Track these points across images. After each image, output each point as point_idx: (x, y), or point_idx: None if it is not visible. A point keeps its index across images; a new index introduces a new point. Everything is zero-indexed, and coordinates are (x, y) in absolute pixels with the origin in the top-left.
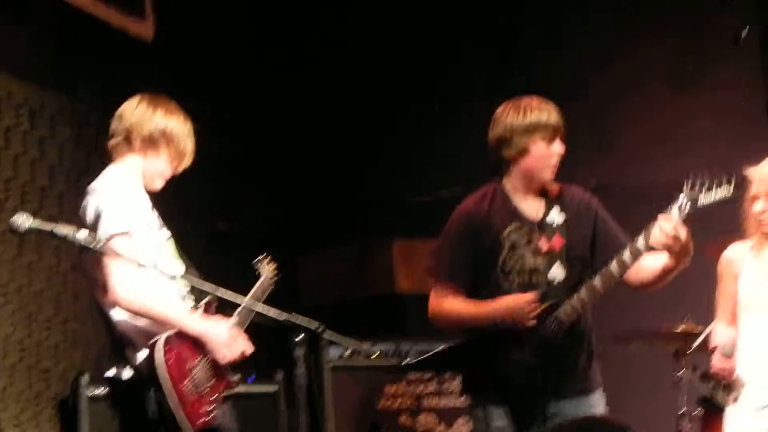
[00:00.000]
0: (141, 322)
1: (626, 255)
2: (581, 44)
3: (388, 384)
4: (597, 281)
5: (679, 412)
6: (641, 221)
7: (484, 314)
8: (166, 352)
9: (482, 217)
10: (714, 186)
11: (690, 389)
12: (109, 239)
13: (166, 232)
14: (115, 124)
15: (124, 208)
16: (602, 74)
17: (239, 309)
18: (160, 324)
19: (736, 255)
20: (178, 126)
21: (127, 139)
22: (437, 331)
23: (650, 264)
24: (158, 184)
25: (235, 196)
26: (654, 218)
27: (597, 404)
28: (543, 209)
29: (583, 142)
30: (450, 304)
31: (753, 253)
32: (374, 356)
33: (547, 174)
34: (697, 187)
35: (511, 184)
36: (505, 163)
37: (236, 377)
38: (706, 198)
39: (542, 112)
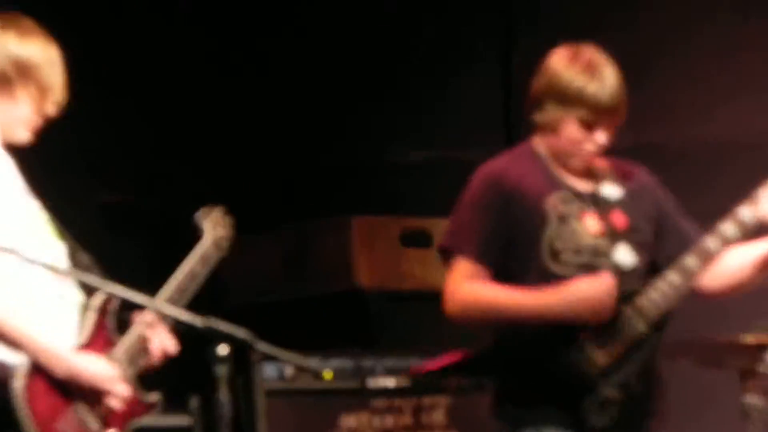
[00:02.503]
0: None
1: (728, 227)
2: None
3: (345, 414)
4: (692, 261)
5: None
6: (698, 191)
7: (541, 306)
8: (29, 384)
9: (514, 180)
10: None
11: (764, 422)
12: None
13: (36, 204)
14: None
15: None
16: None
17: (146, 311)
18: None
19: None
20: (37, 53)
21: None
22: (411, 342)
23: (737, 258)
24: (21, 135)
25: (133, 160)
26: (724, 185)
27: None
28: (592, 180)
29: None
30: (482, 289)
31: None
32: (326, 376)
33: (577, 163)
34: None
35: (545, 149)
36: (535, 125)
37: (151, 398)
38: None
39: (594, 81)
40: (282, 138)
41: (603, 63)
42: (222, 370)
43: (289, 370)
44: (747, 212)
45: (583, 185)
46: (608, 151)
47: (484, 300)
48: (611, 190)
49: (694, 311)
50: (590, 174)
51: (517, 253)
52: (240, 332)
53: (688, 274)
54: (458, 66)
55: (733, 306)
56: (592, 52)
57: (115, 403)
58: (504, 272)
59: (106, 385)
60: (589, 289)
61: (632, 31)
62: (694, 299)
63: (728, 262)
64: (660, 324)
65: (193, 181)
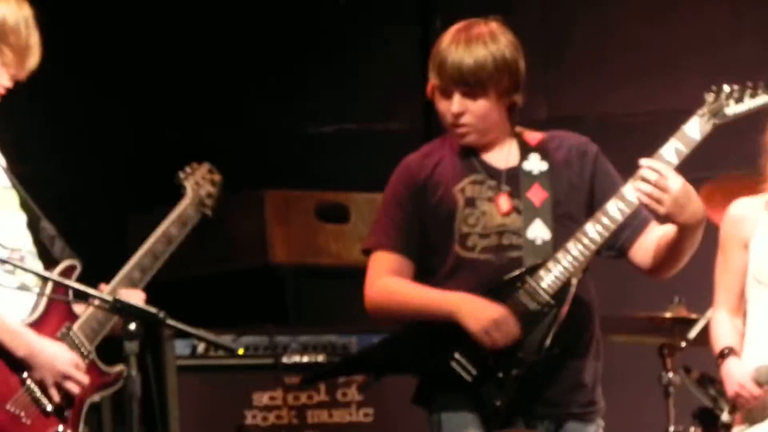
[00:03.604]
0: None
1: (629, 190)
2: None
3: (258, 391)
4: (590, 229)
5: (669, 429)
6: (623, 165)
7: (433, 304)
8: None
9: (429, 170)
10: (747, 93)
11: (682, 398)
12: None
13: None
14: None
15: None
16: None
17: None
18: None
19: (746, 214)
20: (10, 12)
21: None
22: (326, 318)
23: (657, 232)
24: None
25: (37, 133)
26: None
27: None
28: (517, 157)
29: (535, 59)
30: (392, 284)
31: None
32: (239, 352)
33: (457, 138)
34: (723, 96)
35: None
36: None
37: (115, 369)
38: (736, 108)
39: (454, 47)
40: (193, 107)
41: (480, 36)
42: (132, 347)
43: (201, 347)
44: (629, 189)
45: (504, 163)
46: (532, 124)
47: (392, 295)
48: (534, 164)
49: (614, 287)
50: (515, 149)
51: (434, 243)
52: (150, 308)
53: (588, 243)
54: (376, 35)
55: (653, 282)
56: (480, 26)
57: (72, 387)
58: (426, 264)
59: (64, 369)
60: (479, 306)
61: (552, 4)
62: (613, 276)
63: (652, 236)
64: (560, 296)
65: (101, 153)
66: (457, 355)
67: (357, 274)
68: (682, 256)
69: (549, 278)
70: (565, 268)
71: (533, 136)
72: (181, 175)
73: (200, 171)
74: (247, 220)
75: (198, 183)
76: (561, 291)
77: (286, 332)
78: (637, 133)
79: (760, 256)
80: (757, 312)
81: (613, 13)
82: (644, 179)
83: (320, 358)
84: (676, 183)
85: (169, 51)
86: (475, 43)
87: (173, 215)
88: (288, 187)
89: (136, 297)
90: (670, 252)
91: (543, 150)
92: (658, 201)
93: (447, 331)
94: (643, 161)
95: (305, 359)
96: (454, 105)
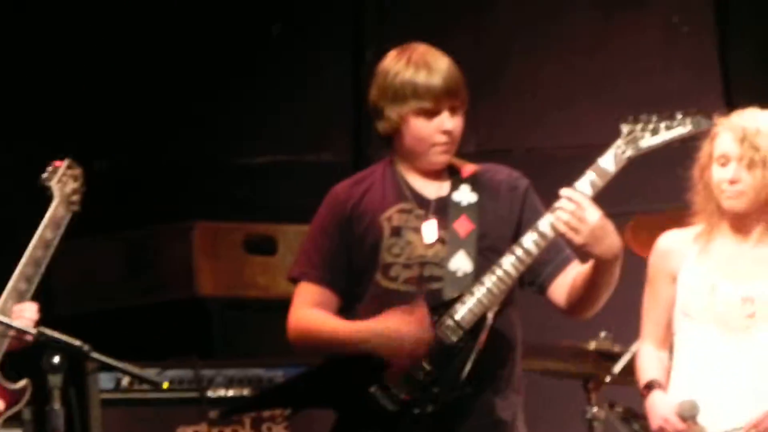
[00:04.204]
0: None
1: (545, 223)
2: None
3: (182, 425)
4: (506, 262)
5: None
6: (549, 197)
7: (348, 336)
8: None
9: (356, 198)
10: (662, 125)
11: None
12: None
13: None
14: None
15: None
16: None
17: None
18: None
19: (675, 247)
20: None
21: None
22: (253, 352)
23: (575, 274)
24: None
25: None
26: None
27: None
28: (447, 187)
29: None
30: (310, 316)
31: (698, 245)
32: (164, 386)
33: (437, 158)
34: (638, 128)
35: (401, 161)
36: (385, 137)
37: (18, 385)
38: (651, 140)
39: (421, 70)
40: (122, 137)
41: (431, 54)
42: (55, 380)
43: (125, 380)
44: (545, 222)
45: (435, 192)
46: (461, 157)
47: (310, 327)
48: (464, 196)
49: (541, 320)
50: (447, 179)
51: (358, 272)
52: (74, 341)
53: (503, 276)
54: (307, 67)
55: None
56: (420, 48)
57: None
58: (351, 293)
59: None
60: (388, 325)
61: (482, 38)
62: (540, 308)
63: (570, 275)
64: (476, 329)
65: (24, 185)
66: (373, 390)
67: (284, 307)
68: (598, 294)
69: (464, 312)
70: (480, 301)
71: (466, 168)
72: (44, 176)
73: (61, 169)
74: (174, 252)
75: (61, 181)
76: (476, 325)
77: (211, 366)
78: (563, 166)
79: (688, 290)
80: (684, 345)
81: (544, 47)
82: (562, 209)
83: (246, 391)
84: (594, 215)
85: (96, 80)
86: (441, 59)
87: (46, 219)
88: (217, 218)
89: (30, 310)
90: (586, 290)
91: (474, 182)
92: (575, 230)
93: (364, 365)
94: (563, 191)
95: (231, 393)
96: (447, 122)
